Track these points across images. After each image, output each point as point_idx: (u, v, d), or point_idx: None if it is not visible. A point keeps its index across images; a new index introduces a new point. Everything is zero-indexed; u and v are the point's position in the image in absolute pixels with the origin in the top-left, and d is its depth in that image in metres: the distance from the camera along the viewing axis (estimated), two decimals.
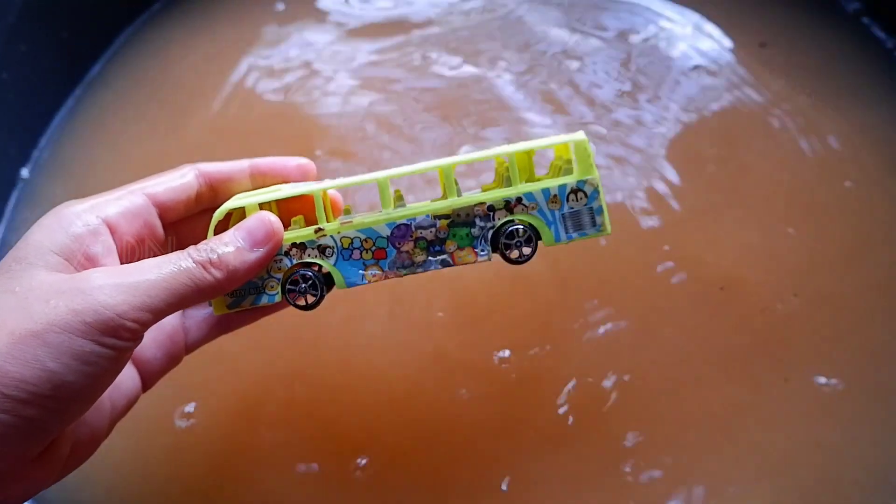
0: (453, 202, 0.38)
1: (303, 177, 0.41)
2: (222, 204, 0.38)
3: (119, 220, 0.35)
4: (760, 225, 0.56)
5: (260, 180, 0.41)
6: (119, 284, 0.30)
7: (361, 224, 0.38)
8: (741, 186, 0.57)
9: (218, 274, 0.33)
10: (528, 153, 0.41)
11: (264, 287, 0.38)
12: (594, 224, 0.38)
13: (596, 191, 0.37)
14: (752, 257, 0.54)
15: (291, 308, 0.39)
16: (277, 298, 0.38)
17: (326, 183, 0.38)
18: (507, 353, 0.52)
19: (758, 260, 0.54)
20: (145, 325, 0.31)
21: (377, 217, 0.38)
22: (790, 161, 0.58)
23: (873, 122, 0.60)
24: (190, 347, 0.41)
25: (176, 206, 0.38)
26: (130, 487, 0.50)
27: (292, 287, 0.38)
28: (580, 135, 0.38)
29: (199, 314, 0.41)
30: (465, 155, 0.38)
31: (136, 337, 0.31)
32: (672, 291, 0.53)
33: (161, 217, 0.37)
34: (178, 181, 0.38)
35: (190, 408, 0.51)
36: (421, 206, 0.38)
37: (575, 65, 0.63)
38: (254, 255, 0.35)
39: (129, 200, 0.36)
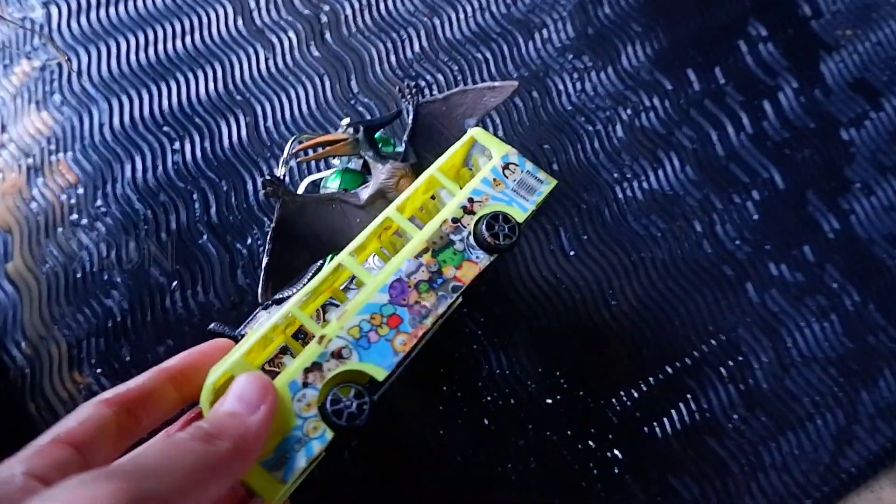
0: (422, 235, 0.37)
1: (224, 353, 0.37)
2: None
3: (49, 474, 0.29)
4: None
5: (183, 381, 0.36)
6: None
7: (357, 306, 0.35)
8: None
9: (224, 444, 0.30)
10: (451, 162, 0.40)
11: (306, 434, 0.33)
12: (540, 182, 0.39)
13: (521, 157, 0.39)
14: None
15: None
16: (329, 434, 0.33)
17: (282, 310, 0.35)
18: None
19: None
20: None
21: (367, 291, 0.35)
22: None
23: None
24: None
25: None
26: None
27: (337, 408, 0.33)
28: (474, 131, 0.40)
29: None
30: (406, 195, 0.38)
31: None
32: None
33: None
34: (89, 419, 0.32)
35: None
36: (398, 257, 0.37)
37: None
38: (256, 418, 0.31)
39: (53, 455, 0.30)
